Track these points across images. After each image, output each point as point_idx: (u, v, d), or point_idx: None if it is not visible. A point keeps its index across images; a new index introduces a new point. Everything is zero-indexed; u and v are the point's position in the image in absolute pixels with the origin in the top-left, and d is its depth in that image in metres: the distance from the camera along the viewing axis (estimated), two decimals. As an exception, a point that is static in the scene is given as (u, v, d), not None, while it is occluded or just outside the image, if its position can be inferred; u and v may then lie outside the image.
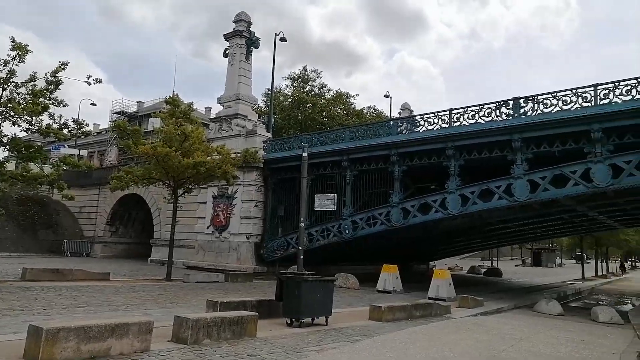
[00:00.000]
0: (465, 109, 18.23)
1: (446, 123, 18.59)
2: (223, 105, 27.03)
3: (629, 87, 14.67)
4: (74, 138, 32.72)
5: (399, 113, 40.82)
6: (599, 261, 50.71)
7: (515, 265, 56.45)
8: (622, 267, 65.59)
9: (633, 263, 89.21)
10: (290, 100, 40.55)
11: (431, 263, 37.49)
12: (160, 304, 12.04)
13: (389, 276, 18.11)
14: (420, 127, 19.71)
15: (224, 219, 24.98)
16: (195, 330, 7.02)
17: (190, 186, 19.87)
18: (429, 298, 15.35)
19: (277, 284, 9.82)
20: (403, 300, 13.32)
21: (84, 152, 43.15)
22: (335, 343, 8.01)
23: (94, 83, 16.26)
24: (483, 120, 17.64)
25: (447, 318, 12.33)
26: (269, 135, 26.60)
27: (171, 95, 21.64)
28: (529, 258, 64.04)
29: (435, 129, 18.93)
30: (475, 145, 17.91)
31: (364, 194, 21.76)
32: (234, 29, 26.93)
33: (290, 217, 23.82)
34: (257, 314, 8.32)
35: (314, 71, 42.77)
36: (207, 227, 25.61)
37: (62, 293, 12.70)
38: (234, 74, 26.70)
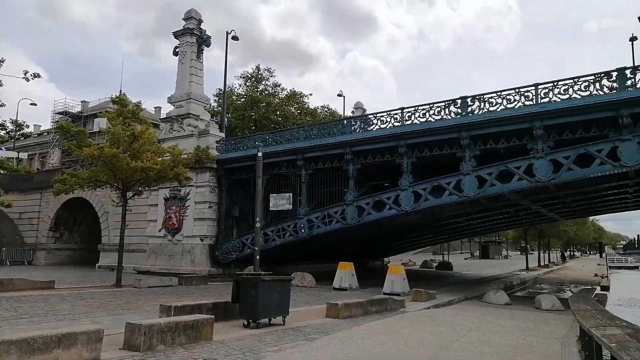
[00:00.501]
0: (416, 108, 18.69)
1: (398, 122, 18.98)
2: (174, 105, 26.33)
3: (566, 87, 15.55)
4: (13, 140, 30.83)
5: (352, 112, 41.29)
6: (541, 252, 53.52)
7: (465, 259, 58.58)
8: (563, 256, 69.63)
9: (572, 253, 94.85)
10: (243, 99, 40.05)
11: (386, 259, 38.21)
12: (110, 311, 11.58)
13: (345, 273, 18.29)
14: (374, 125, 20.02)
15: (177, 221, 24.35)
16: (148, 337, 6.81)
17: (140, 189, 19.23)
18: (384, 293, 15.65)
19: (233, 285, 9.69)
20: (359, 297, 13.49)
21: (23, 155, 40.79)
22: (293, 342, 8.00)
23: (32, 78, 15.43)
24: (433, 118, 18.14)
25: (402, 312, 12.62)
26: (222, 135, 26.17)
27: (118, 95, 20.81)
28: (478, 251, 66.65)
29: (387, 127, 19.28)
30: (427, 143, 18.41)
31: (319, 192, 21.84)
32: (184, 26, 26.27)
33: (246, 217, 23.57)
34: (213, 316, 8.18)
35: (267, 70, 42.50)
36: (159, 230, 24.87)
37: (2, 304, 11.92)
38: (184, 72, 26.07)
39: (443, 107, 18.01)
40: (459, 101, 17.66)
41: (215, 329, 7.98)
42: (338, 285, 18.08)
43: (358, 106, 42.76)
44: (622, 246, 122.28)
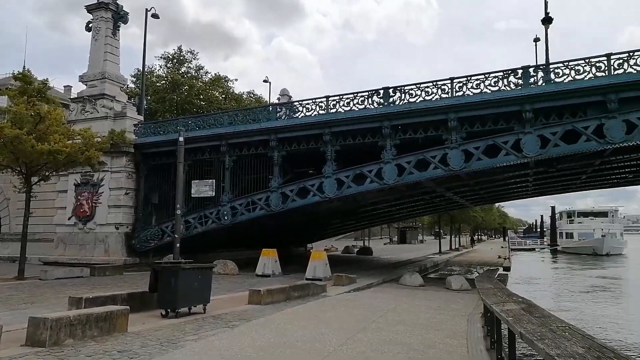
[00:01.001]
0: (341, 97, 19.02)
1: (323, 110, 19.20)
2: (86, 84, 24.49)
3: (478, 82, 16.62)
4: None
5: (278, 99, 41.05)
6: (453, 236, 57.26)
7: (385, 244, 61.07)
8: (472, 240, 75.05)
9: (480, 237, 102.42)
10: (164, 81, 38.24)
11: (309, 245, 38.79)
12: (11, 305, 10.66)
13: (268, 260, 18.33)
14: (299, 113, 20.09)
15: (89, 208, 22.85)
16: (55, 331, 6.38)
17: (47, 173, 17.78)
18: (307, 279, 15.92)
19: (151, 274, 9.34)
20: (282, 283, 13.60)
21: None
22: (213, 330, 7.91)
23: None
24: (357, 108, 18.57)
25: (324, 297, 12.93)
26: (141, 118, 24.86)
27: (21, 71, 18.94)
28: (396, 236, 69.77)
29: (313, 115, 19.45)
30: (350, 131, 18.82)
31: (243, 179, 21.59)
32: (98, 0, 24.42)
33: (165, 204, 22.71)
34: (128, 307, 7.84)
35: (190, 52, 40.83)
36: (69, 218, 23.19)
37: None
38: (98, 50, 24.30)
39: (367, 96, 18.49)
40: (381, 92, 18.22)
41: (130, 320, 7.66)
42: (261, 272, 18.08)
43: (284, 93, 42.61)
44: (522, 230, 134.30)
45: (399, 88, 17.97)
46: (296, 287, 12.57)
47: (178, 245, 15.92)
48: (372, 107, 18.29)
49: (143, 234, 22.45)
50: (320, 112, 19.24)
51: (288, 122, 20.00)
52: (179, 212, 16.85)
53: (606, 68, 14.76)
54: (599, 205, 74.14)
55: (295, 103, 21.42)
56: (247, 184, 21.38)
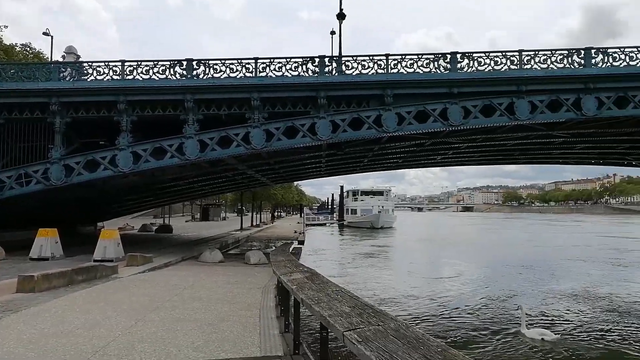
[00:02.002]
0: (139, 63, 17.58)
1: (118, 75, 17.46)
2: None
3: (281, 65, 17.31)
4: None
5: (63, 57, 35.42)
6: (255, 213, 59.38)
7: (186, 221, 59.64)
8: (272, 217, 79.18)
9: (279, 213, 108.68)
10: None
11: (100, 224, 35.23)
12: None
13: (47, 241, 15.99)
14: (89, 76, 17.84)
15: None
16: None
17: None
18: (95, 260, 14.49)
19: None
20: (63, 266, 12.08)
21: None
22: (-35, 327, 6.58)
23: None
24: (157, 77, 17.43)
25: (114, 278, 12.02)
26: None
27: None
28: (198, 213, 68.82)
29: (105, 79, 17.52)
30: (150, 101, 17.59)
31: (14, 147, 18.28)
32: None
33: None
34: None
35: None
36: None
37: None
38: None
39: (169, 66, 17.51)
40: (184, 63, 17.48)
41: None
42: (37, 255, 15.67)
43: (71, 51, 36.91)
44: (316, 207, 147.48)
45: (203, 61, 17.51)
46: (81, 269, 11.34)
47: None
48: (175, 78, 17.43)
49: None
50: (115, 77, 17.47)
51: (75, 84, 17.57)
52: None
53: (385, 66, 17.08)
54: (377, 186, 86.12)
55: (85, 64, 18.90)
56: (20, 154, 18.21)
